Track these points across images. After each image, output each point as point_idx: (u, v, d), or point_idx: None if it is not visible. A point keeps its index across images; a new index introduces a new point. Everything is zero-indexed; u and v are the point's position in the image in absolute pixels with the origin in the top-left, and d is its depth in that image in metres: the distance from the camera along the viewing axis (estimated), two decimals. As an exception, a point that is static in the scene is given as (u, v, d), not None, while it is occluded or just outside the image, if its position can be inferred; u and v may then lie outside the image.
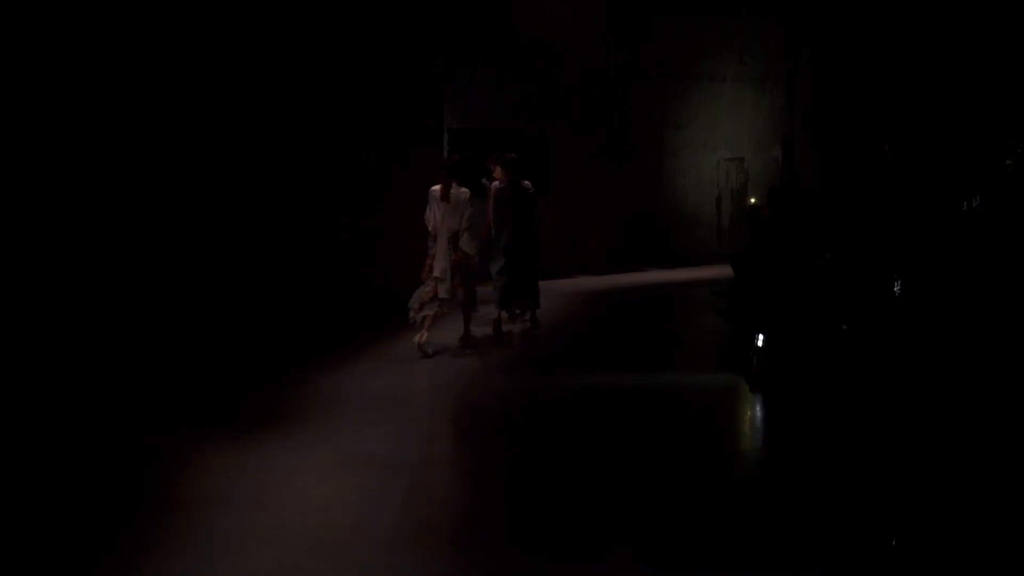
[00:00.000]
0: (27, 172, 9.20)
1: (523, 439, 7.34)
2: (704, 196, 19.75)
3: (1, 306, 8.86)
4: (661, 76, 18.98)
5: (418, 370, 9.30)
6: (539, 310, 11.41)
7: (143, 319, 9.99)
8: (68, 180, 9.64)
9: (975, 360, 6.48)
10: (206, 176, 10.95)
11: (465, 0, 15.96)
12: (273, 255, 11.52)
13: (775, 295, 8.66)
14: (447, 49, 14.26)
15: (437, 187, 9.99)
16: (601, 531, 5.28)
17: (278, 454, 6.57)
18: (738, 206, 19.83)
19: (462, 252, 9.91)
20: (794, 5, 19.62)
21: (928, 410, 6.75)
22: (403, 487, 5.94)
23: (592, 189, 17.98)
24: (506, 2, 16.96)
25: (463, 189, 9.98)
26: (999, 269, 6.49)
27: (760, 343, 8.71)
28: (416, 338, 9.82)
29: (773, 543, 5.09)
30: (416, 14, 13.04)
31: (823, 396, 7.46)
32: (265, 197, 11.50)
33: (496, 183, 11.19)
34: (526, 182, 11.09)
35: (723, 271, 12.83)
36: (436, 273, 9.80)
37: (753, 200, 18.07)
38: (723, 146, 19.89)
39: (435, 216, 9.87)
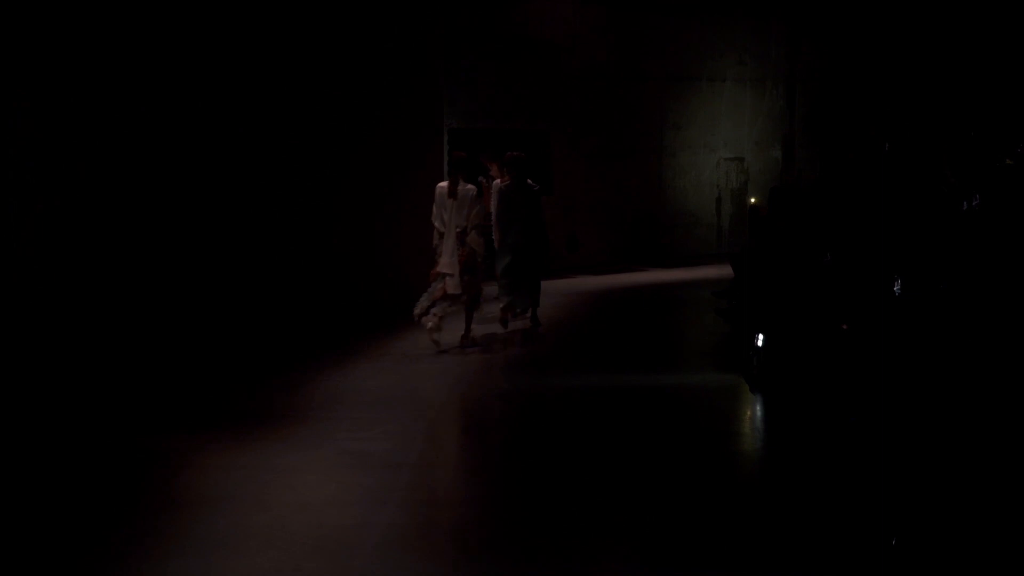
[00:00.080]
0: (26, 172, 9.20)
1: (523, 439, 7.35)
2: (704, 196, 19.75)
3: (1, 306, 8.86)
4: (661, 76, 18.97)
5: (418, 370, 9.30)
6: (539, 309, 11.42)
7: (143, 319, 9.98)
8: (67, 180, 9.64)
9: (975, 360, 6.47)
10: (205, 176, 10.94)
11: (465, 0, 15.95)
12: (273, 254, 11.51)
13: (775, 295, 8.65)
14: (447, 49, 14.24)
15: (444, 184, 10.10)
16: (601, 531, 5.29)
17: (278, 454, 6.57)
18: (738, 206, 19.82)
19: (469, 248, 9.96)
20: (794, 5, 19.62)
21: (928, 410, 6.75)
22: (403, 487, 5.94)
23: (592, 189, 17.97)
24: (506, 2, 16.95)
25: (469, 186, 10.10)
26: (999, 269, 6.49)
27: (760, 343, 8.70)
28: (429, 337, 9.93)
29: (773, 543, 5.09)
30: (416, 14, 13.03)
31: (823, 396, 7.46)
32: (264, 196, 11.49)
33: (497, 181, 11.25)
34: (530, 180, 11.17)
35: (723, 271, 12.83)
36: (444, 269, 9.88)
37: (753, 200, 18.05)
38: (723, 146, 19.88)
39: (442, 213, 9.95)
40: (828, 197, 9.39)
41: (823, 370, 7.60)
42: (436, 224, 10.08)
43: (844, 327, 7.38)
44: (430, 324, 9.96)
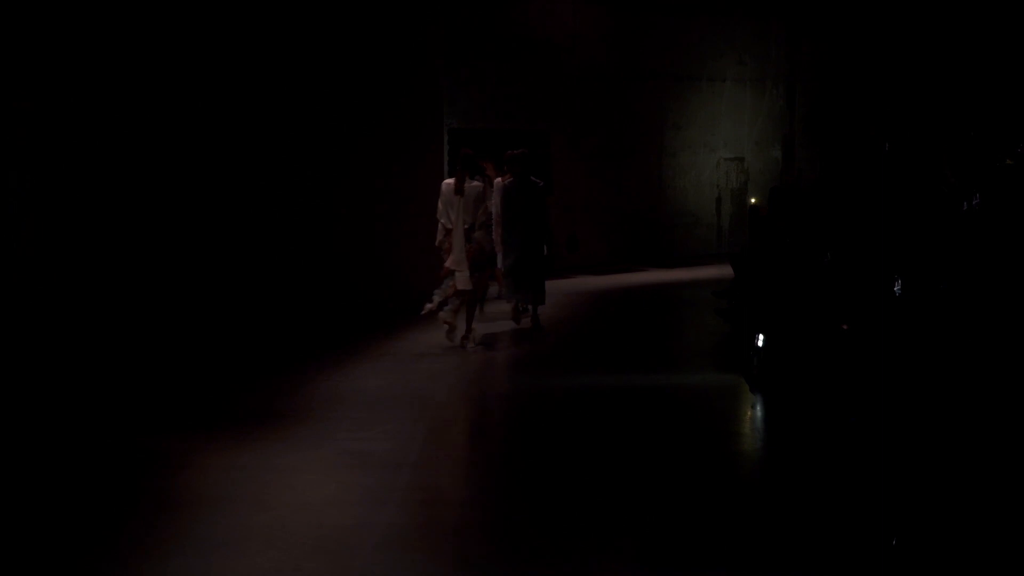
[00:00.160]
0: (26, 171, 9.20)
1: (524, 438, 7.35)
2: (704, 196, 19.75)
3: (1, 306, 8.86)
4: (661, 76, 18.97)
5: (418, 370, 9.30)
6: (542, 307, 11.42)
7: (142, 319, 9.98)
8: (67, 180, 9.64)
9: (975, 360, 6.47)
10: (206, 176, 10.94)
11: (465, 0, 15.96)
12: (273, 254, 11.52)
13: (775, 295, 8.65)
14: (447, 49, 14.24)
15: (450, 181, 10.20)
16: (601, 530, 5.28)
17: (278, 454, 6.57)
18: (738, 206, 19.82)
19: (477, 245, 10.00)
20: (794, 5, 19.62)
21: (928, 410, 6.75)
22: (403, 487, 5.94)
23: (592, 189, 17.97)
24: (506, 2, 16.96)
25: (475, 183, 10.22)
26: (999, 269, 6.49)
27: (760, 343, 8.70)
28: (447, 337, 10.06)
29: (773, 543, 5.09)
30: (416, 13, 13.03)
31: (823, 396, 7.46)
32: (265, 196, 11.49)
33: (498, 180, 11.28)
34: (533, 177, 11.24)
35: (723, 271, 12.83)
36: (453, 266, 9.99)
37: (753, 200, 18.05)
38: (723, 146, 19.88)
39: (448, 210, 10.04)
40: (828, 197, 9.39)
41: (823, 370, 7.60)
42: (443, 221, 10.15)
43: (844, 327, 7.38)
44: (446, 325, 10.09)
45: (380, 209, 12.48)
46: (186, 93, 10.74)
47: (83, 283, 9.60)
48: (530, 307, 11.29)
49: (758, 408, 8.04)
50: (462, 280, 9.99)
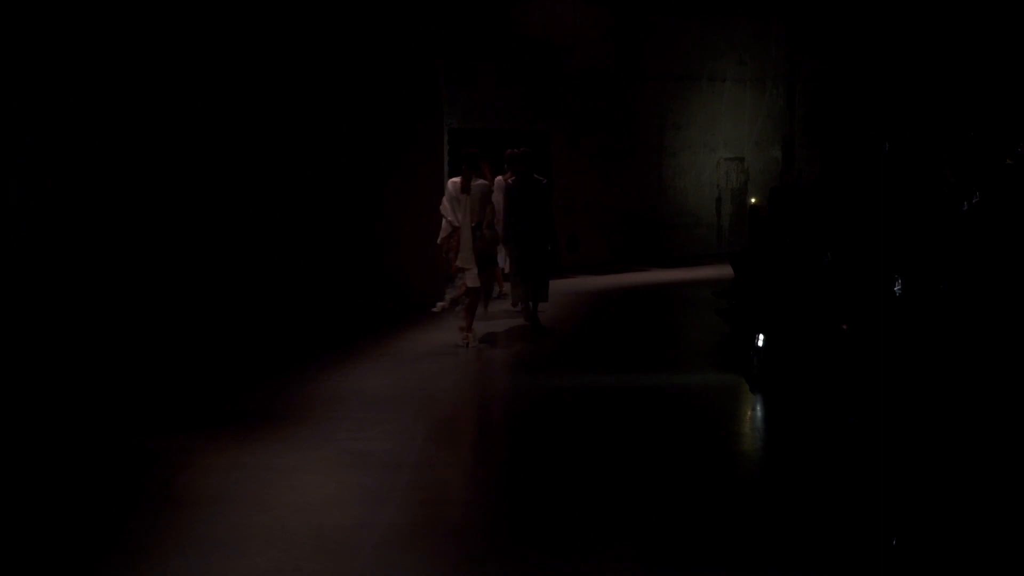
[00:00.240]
0: (26, 171, 9.20)
1: (524, 438, 7.35)
2: (704, 196, 19.75)
3: (1, 306, 8.86)
4: (661, 76, 18.97)
5: (418, 370, 9.30)
6: (543, 306, 11.44)
7: (142, 318, 9.98)
8: (66, 180, 9.63)
9: (975, 360, 6.48)
10: (206, 176, 10.93)
11: (465, 0, 15.96)
12: (273, 254, 11.51)
13: (775, 295, 8.65)
14: (447, 49, 14.25)
15: (457, 179, 10.29)
16: (602, 530, 5.29)
17: (278, 454, 6.57)
18: (738, 206, 19.82)
19: (483, 243, 10.17)
20: (794, 5, 19.62)
21: (928, 410, 6.75)
22: (403, 487, 5.94)
23: (592, 189, 17.98)
24: (506, 2, 16.96)
25: (481, 181, 10.31)
26: (999, 269, 6.49)
27: (760, 343, 8.70)
28: (464, 336, 10.11)
29: (773, 543, 5.09)
30: (416, 13, 13.03)
31: (823, 396, 7.46)
32: (265, 196, 11.48)
33: (499, 179, 11.34)
34: (537, 175, 11.29)
35: (723, 271, 12.84)
36: (461, 263, 10.11)
37: (753, 200, 18.05)
38: (723, 146, 19.88)
39: (454, 208, 10.15)
40: (828, 197, 9.39)
41: (823, 370, 7.60)
42: (449, 219, 10.23)
43: (844, 327, 7.38)
44: (462, 324, 10.23)
45: (380, 209, 12.48)
46: (186, 93, 10.73)
47: (83, 283, 9.59)
48: (531, 304, 11.30)
49: (758, 408, 8.04)
50: (471, 278, 10.10)
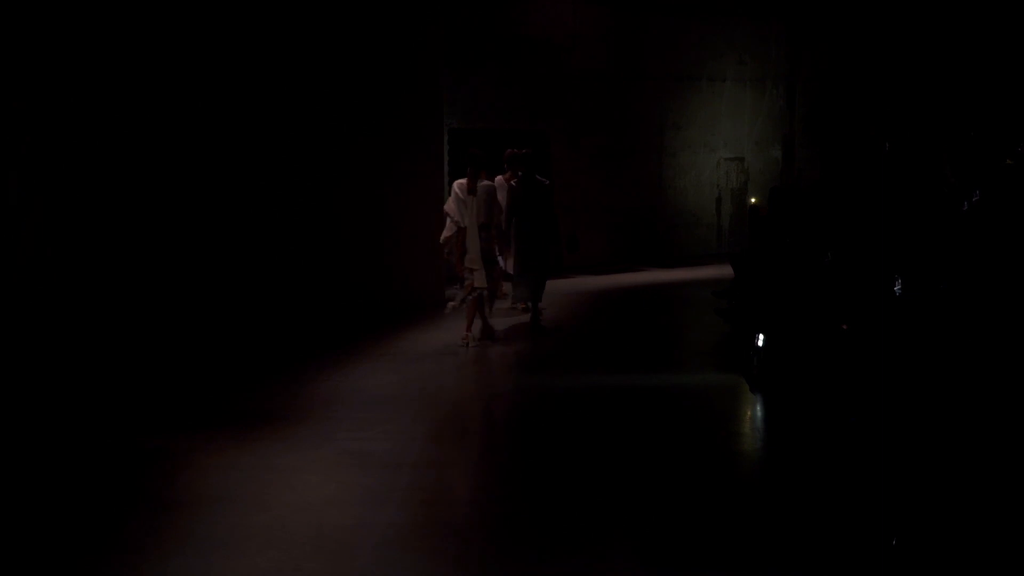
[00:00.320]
0: (26, 170, 9.20)
1: (524, 438, 7.35)
2: (704, 196, 19.74)
3: (1, 306, 8.86)
4: (661, 76, 18.97)
5: (418, 370, 9.29)
6: (541, 307, 11.44)
7: (142, 318, 9.98)
8: (66, 180, 9.63)
9: (975, 360, 6.47)
10: (207, 176, 10.93)
11: (465, 0, 15.95)
12: (273, 254, 11.51)
13: (775, 295, 8.65)
14: (447, 49, 14.25)
15: (462, 181, 10.44)
16: (602, 530, 5.29)
17: (278, 454, 6.57)
18: (738, 206, 19.82)
19: (488, 244, 10.30)
20: (794, 5, 19.61)
21: (928, 410, 6.75)
22: (403, 487, 5.94)
23: (592, 189, 17.97)
24: (506, 2, 16.95)
25: (486, 182, 10.48)
26: (999, 269, 6.49)
27: (760, 343, 8.70)
28: (481, 333, 10.27)
29: (773, 543, 5.09)
30: (416, 13, 13.03)
31: (823, 396, 7.46)
32: (265, 196, 11.48)
33: (499, 178, 11.38)
34: (539, 176, 11.34)
35: (723, 271, 12.84)
36: (469, 263, 10.24)
37: (753, 200, 18.05)
38: (723, 146, 19.88)
39: (461, 209, 10.32)
40: (828, 197, 9.39)
41: (823, 370, 7.60)
42: (457, 220, 10.40)
43: (844, 327, 7.38)
44: (490, 319, 10.48)
45: (380, 208, 12.48)
46: (186, 93, 10.73)
47: (83, 283, 9.59)
48: (529, 304, 11.31)
49: (758, 408, 8.04)
50: (479, 278, 10.22)
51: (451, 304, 10.51)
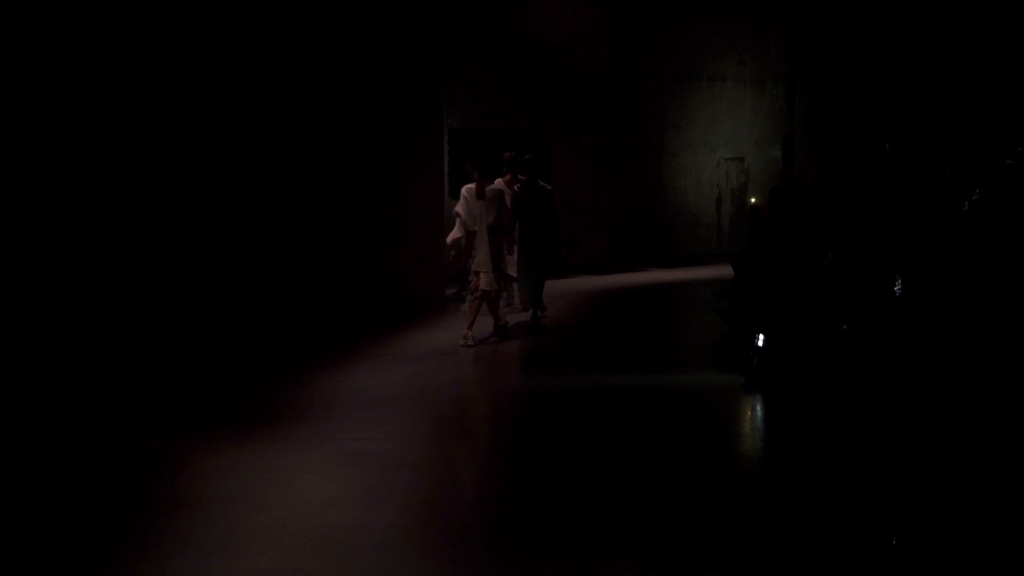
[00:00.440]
0: (27, 170, 9.20)
1: (524, 438, 7.35)
2: (704, 196, 19.75)
3: (1, 306, 8.86)
4: (661, 76, 18.97)
5: (418, 370, 9.30)
6: (540, 307, 11.45)
7: (143, 319, 9.98)
8: (66, 180, 9.63)
9: (975, 360, 6.47)
10: (207, 176, 10.93)
11: (465, 0, 15.95)
12: (273, 254, 11.52)
13: (775, 295, 8.65)
14: (447, 49, 14.25)
15: (471, 186, 10.70)
16: (602, 531, 5.29)
17: (278, 454, 6.57)
18: (738, 206, 19.82)
19: (495, 246, 10.47)
20: (794, 5, 19.61)
21: (928, 410, 6.75)
22: (403, 487, 5.95)
23: (592, 189, 17.97)
24: (506, 2, 16.95)
25: (494, 185, 10.74)
26: (999, 269, 6.49)
27: (760, 343, 8.70)
28: (494, 331, 10.45)
29: (773, 543, 5.09)
30: (416, 14, 13.03)
31: (823, 396, 7.46)
32: (265, 196, 11.49)
33: (498, 180, 11.38)
34: (542, 181, 11.39)
35: (723, 271, 12.84)
36: (477, 266, 10.42)
37: (753, 200, 18.05)
38: (723, 146, 19.88)
39: (471, 213, 10.56)
40: (828, 197, 9.38)
41: (823, 370, 7.60)
42: (467, 223, 10.64)
43: (844, 327, 7.38)
44: (502, 321, 10.65)
45: (380, 208, 12.49)
46: (187, 93, 10.73)
47: (83, 283, 9.60)
48: (530, 307, 11.34)
49: (758, 408, 8.04)
50: (485, 280, 10.34)
51: (464, 307, 10.81)
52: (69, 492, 5.95)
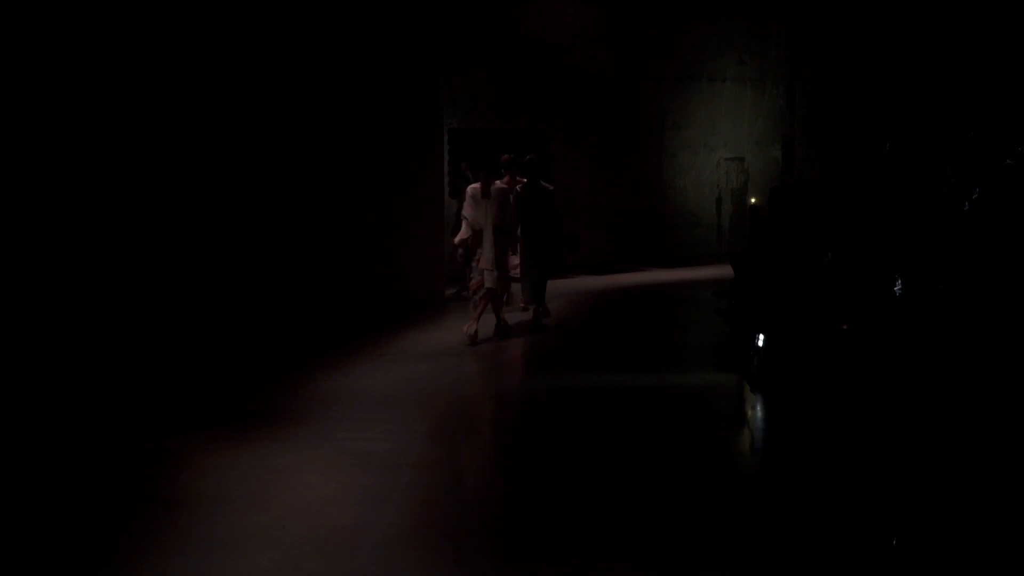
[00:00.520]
0: (27, 170, 9.20)
1: (524, 438, 7.35)
2: (704, 196, 19.74)
3: (1, 307, 8.86)
4: (661, 76, 18.97)
5: (418, 370, 9.30)
6: (540, 307, 11.46)
7: (143, 319, 9.98)
8: (66, 179, 9.64)
9: (975, 360, 6.48)
10: (207, 176, 10.94)
11: (465, 0, 15.96)
12: (274, 254, 11.52)
13: (775, 295, 8.65)
14: (447, 49, 14.25)
15: (476, 185, 10.70)
16: (602, 531, 5.29)
17: (278, 454, 6.57)
18: (738, 206, 19.82)
19: (501, 246, 10.56)
20: (794, 5, 19.62)
21: (928, 410, 6.75)
22: (403, 487, 5.94)
23: (592, 189, 17.97)
24: (506, 2, 16.95)
25: (499, 185, 10.76)
26: (999, 269, 6.49)
27: (760, 343, 8.70)
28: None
29: (773, 543, 5.09)
30: (416, 14, 13.04)
31: (823, 396, 7.47)
32: (265, 196, 11.49)
33: (497, 182, 11.37)
34: (543, 182, 11.41)
35: (723, 271, 12.84)
36: (484, 265, 10.53)
37: (753, 200, 18.05)
38: (723, 146, 19.87)
39: (478, 214, 10.58)
40: (828, 197, 9.39)
41: (823, 370, 7.60)
42: (473, 224, 10.65)
43: (844, 327, 7.38)
44: (502, 322, 10.80)
45: (380, 208, 12.48)
46: (187, 93, 10.74)
47: (84, 283, 9.60)
48: (531, 307, 11.34)
49: (758, 408, 8.04)
50: (490, 278, 10.45)
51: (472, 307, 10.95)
52: (69, 492, 5.95)
